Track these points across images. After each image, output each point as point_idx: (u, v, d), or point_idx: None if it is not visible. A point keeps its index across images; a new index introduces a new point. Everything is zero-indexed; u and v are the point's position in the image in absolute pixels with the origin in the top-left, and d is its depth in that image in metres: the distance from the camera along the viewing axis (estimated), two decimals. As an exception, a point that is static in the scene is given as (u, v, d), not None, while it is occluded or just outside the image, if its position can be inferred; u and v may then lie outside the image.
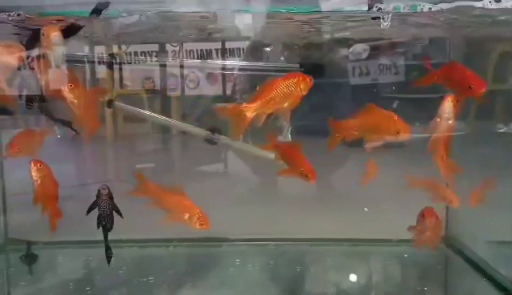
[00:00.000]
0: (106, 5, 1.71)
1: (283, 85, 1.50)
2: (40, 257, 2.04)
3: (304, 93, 1.52)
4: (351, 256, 2.12)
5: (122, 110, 2.42)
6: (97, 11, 1.71)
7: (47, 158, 2.38)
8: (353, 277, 1.92)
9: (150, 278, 1.88)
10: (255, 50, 2.45)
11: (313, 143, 2.12)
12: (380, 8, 1.55)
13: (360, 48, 2.65)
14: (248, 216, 2.48)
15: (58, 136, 1.79)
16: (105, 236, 1.66)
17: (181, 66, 2.71)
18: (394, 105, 2.21)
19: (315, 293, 1.80)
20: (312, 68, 2.09)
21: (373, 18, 1.61)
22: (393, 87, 2.59)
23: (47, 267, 2.04)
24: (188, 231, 2.17)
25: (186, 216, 1.69)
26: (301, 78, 1.47)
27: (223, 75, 2.59)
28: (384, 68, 2.75)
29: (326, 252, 2.17)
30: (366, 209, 1.96)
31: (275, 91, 1.49)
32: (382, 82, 2.76)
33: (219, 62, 2.31)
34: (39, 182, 1.63)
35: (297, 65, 2.12)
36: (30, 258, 2.02)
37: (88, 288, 1.78)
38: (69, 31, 1.83)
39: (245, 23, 1.91)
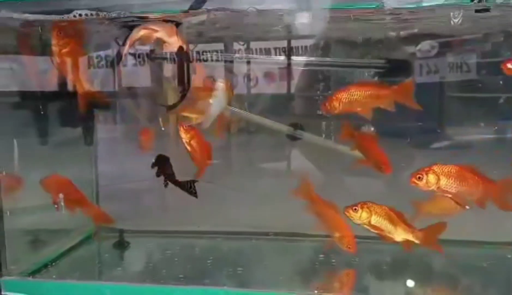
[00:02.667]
0: (203, 1, 1.77)
1: None
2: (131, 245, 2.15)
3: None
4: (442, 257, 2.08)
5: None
6: (195, 7, 1.78)
7: (130, 155, 2.50)
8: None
9: (238, 268, 1.93)
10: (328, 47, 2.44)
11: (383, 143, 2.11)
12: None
13: (428, 45, 2.59)
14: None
15: (163, 129, 1.88)
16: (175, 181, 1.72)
17: (247, 63, 2.74)
18: (501, 100, 2.15)
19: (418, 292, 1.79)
20: (399, 65, 2.06)
21: (478, 11, 1.58)
22: (479, 85, 2.51)
23: (139, 254, 2.14)
24: (270, 226, 2.23)
25: (337, 234, 1.75)
26: None
27: (288, 73, 2.60)
28: (454, 66, 2.68)
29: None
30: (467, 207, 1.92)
31: None
32: (450, 80, 2.69)
33: (301, 59, 2.33)
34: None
35: (383, 61, 2.10)
36: (123, 245, 2.13)
37: (181, 276, 1.84)
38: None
39: (314, 20, 1.93)
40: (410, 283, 1.81)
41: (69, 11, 1.71)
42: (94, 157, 2.31)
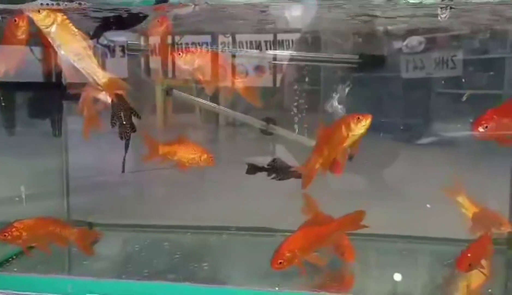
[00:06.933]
0: (166, -4, 1.73)
1: None
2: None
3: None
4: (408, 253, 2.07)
5: (180, 99, 2.46)
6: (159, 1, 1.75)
7: (101, 147, 2.45)
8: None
9: (204, 264, 1.91)
10: (307, 41, 2.41)
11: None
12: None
13: (416, 41, 2.56)
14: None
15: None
16: None
17: (232, 57, 2.71)
18: (464, 98, 2.12)
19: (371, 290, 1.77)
20: (372, 60, 2.04)
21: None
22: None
23: (106, 249, 2.10)
24: (242, 220, 2.21)
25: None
26: None
27: (273, 67, 2.57)
28: (441, 62, 2.65)
29: (380, 248, 2.12)
30: (428, 206, 1.90)
31: None
32: (437, 76, 2.66)
33: (275, 53, 2.29)
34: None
35: (356, 57, 2.07)
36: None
37: (146, 271, 1.83)
38: (134, 21, 1.89)
39: (297, 14, 1.90)
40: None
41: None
42: (64, 148, 2.28)
